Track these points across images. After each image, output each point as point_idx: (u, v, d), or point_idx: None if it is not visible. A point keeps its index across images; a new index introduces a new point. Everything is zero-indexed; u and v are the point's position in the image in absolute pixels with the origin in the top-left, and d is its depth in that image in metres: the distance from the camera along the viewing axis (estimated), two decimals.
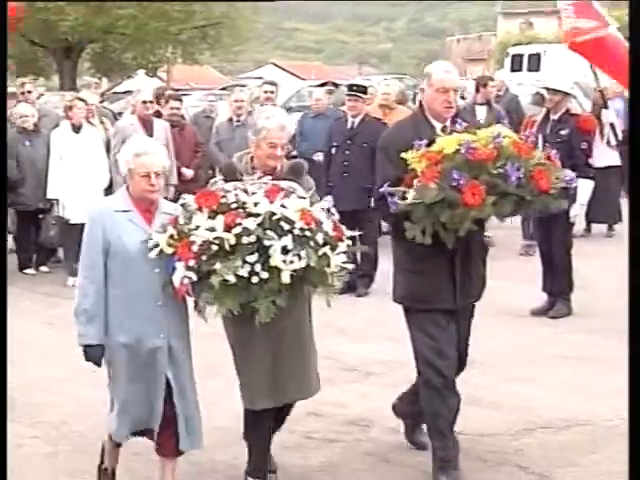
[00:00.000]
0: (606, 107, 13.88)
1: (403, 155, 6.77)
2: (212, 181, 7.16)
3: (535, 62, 46.01)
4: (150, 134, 14.14)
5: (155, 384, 6.79)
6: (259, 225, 6.19)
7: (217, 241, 6.22)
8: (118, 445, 7.17)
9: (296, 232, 6.25)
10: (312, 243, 6.30)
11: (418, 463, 7.73)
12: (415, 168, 6.67)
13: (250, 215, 6.25)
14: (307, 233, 6.28)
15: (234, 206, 6.34)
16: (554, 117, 12.21)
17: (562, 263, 12.57)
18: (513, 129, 13.60)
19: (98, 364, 6.84)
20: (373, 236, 13.29)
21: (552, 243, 12.59)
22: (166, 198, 14.55)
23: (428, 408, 7.35)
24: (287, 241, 6.18)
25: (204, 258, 6.25)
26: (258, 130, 7.02)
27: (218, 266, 6.18)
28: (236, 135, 14.74)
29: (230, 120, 15.95)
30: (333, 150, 14.06)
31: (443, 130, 7.06)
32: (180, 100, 16.68)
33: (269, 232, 6.19)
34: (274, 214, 6.25)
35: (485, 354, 9.51)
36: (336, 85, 16.87)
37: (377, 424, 8.60)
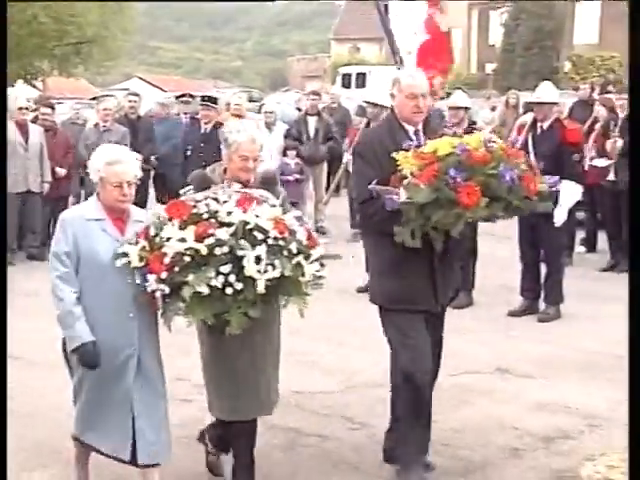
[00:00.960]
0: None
1: (394, 155, 6.12)
2: (183, 191, 6.26)
3: (362, 80, 46.89)
4: (26, 138, 14.48)
5: (119, 405, 5.94)
6: (232, 235, 5.51)
7: (189, 252, 5.48)
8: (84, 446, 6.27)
9: (270, 241, 5.57)
10: (286, 252, 5.62)
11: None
12: (404, 169, 6.04)
13: (223, 225, 5.56)
14: (281, 242, 5.61)
15: (206, 216, 5.60)
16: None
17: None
18: (342, 137, 13.35)
19: (97, 363, 5.83)
20: None
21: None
22: (40, 194, 14.59)
23: (404, 408, 6.57)
24: (261, 251, 5.49)
25: (176, 270, 5.50)
26: (229, 144, 6.30)
27: (190, 278, 5.45)
28: (103, 139, 14.12)
29: (97, 125, 15.72)
30: (189, 152, 14.44)
31: (416, 133, 6.52)
32: (52, 107, 16.33)
33: (242, 242, 5.50)
34: (247, 223, 5.57)
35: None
36: (192, 96, 16.76)
37: None
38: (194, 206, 5.68)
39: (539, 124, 11.10)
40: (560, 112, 12.61)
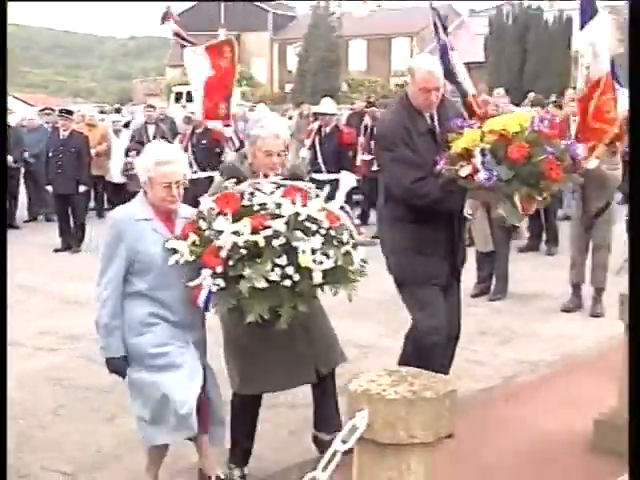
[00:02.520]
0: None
1: (449, 136, 5.06)
2: (224, 184, 4.88)
3: (190, 96, 46.55)
4: None
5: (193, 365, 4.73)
6: (287, 226, 4.43)
7: (245, 245, 4.35)
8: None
9: (322, 232, 4.50)
10: (336, 242, 4.56)
11: None
12: (473, 145, 4.87)
13: (274, 217, 4.45)
14: (332, 232, 4.55)
15: (256, 208, 4.50)
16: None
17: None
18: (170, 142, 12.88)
19: (123, 375, 4.72)
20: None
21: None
22: None
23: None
24: (316, 241, 4.43)
25: (231, 263, 4.37)
26: (253, 139, 5.18)
27: (247, 271, 4.32)
28: None
29: None
30: (50, 154, 13.76)
31: (431, 118, 5.40)
32: None
33: (297, 233, 4.41)
34: (299, 214, 4.49)
35: None
36: (52, 109, 16.88)
37: None
38: (242, 198, 4.59)
39: (323, 129, 11.43)
40: (339, 120, 12.89)
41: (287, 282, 4.32)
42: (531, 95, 20.90)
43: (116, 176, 16.73)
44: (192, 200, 4.93)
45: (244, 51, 59.73)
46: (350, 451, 3.11)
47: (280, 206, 4.49)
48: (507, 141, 4.78)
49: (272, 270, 4.30)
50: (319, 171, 11.30)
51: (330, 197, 4.89)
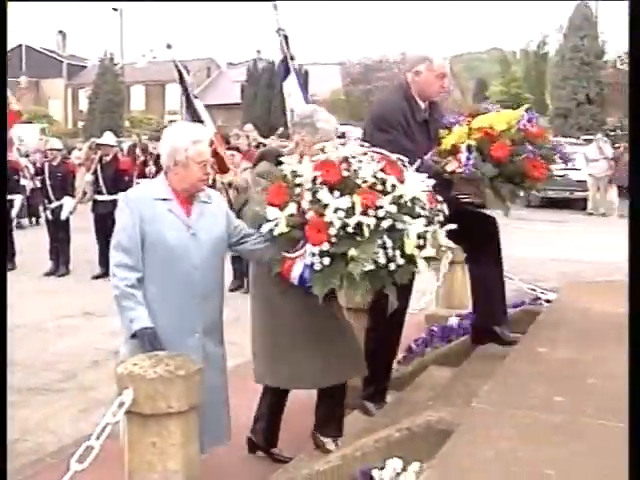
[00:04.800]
0: None
1: (441, 132, 4.25)
2: (318, 147, 3.71)
3: None
4: None
5: None
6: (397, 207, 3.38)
7: (354, 223, 3.29)
8: None
9: (425, 213, 3.48)
10: (432, 225, 3.53)
11: None
12: (461, 141, 4.09)
13: (381, 193, 3.39)
14: (430, 214, 3.53)
15: (358, 182, 3.39)
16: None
17: None
18: None
19: (160, 348, 3.42)
20: None
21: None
22: None
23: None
24: (420, 224, 3.41)
25: (333, 241, 3.31)
26: (316, 129, 3.96)
27: (354, 252, 3.28)
28: None
29: None
30: None
31: (424, 110, 4.42)
32: None
33: (403, 216, 3.38)
34: (402, 195, 3.43)
35: None
36: None
37: None
38: (345, 169, 3.45)
39: (104, 157, 11.19)
40: (118, 150, 12.67)
41: (392, 266, 3.34)
42: (279, 130, 21.32)
43: None
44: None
45: (42, 94, 57.51)
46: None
47: (384, 183, 3.44)
48: (493, 139, 4.05)
49: (378, 253, 3.32)
50: (101, 193, 11.06)
51: None
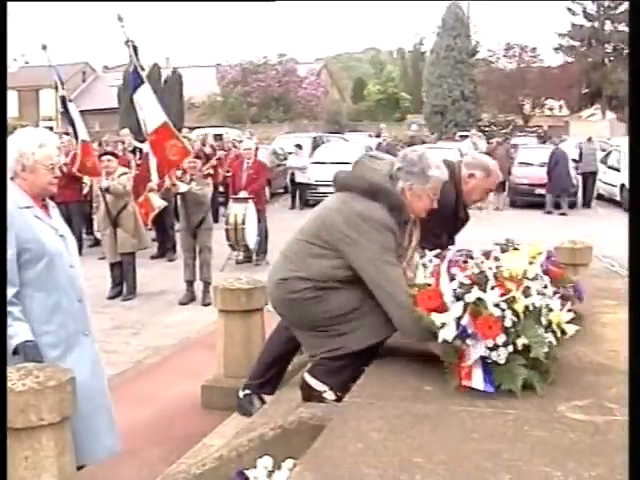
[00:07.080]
0: None
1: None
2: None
3: None
4: None
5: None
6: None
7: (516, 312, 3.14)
8: None
9: (550, 289, 3.43)
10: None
11: None
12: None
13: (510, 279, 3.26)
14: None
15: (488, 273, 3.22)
16: None
17: None
18: None
19: (41, 360, 3.39)
20: None
21: None
22: None
23: None
24: (555, 300, 3.39)
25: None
26: (426, 178, 3.68)
27: (524, 339, 3.12)
28: None
29: None
30: None
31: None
32: None
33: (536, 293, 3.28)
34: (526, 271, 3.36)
35: None
36: None
37: None
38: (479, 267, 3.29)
39: None
40: None
41: (553, 340, 3.28)
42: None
43: None
44: None
45: None
46: None
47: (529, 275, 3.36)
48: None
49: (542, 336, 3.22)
50: None
51: None
